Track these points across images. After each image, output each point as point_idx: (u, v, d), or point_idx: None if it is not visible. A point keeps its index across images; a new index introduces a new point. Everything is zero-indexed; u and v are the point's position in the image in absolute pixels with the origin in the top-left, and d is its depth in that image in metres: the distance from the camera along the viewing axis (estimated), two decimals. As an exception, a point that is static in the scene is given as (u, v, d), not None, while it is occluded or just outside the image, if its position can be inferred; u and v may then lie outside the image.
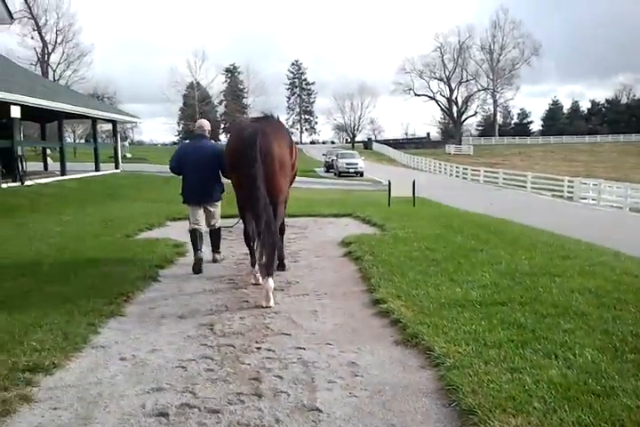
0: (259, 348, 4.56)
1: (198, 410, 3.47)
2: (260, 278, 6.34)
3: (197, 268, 7.44)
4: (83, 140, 68.61)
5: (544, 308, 5.13)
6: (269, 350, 4.52)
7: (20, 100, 17.00)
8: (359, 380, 3.91)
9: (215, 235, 8.11)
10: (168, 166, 8.00)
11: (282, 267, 7.39)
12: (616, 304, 5.26)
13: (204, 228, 7.84)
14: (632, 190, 25.26)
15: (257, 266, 6.52)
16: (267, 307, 5.78)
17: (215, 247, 8.18)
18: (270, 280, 5.92)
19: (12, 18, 24.88)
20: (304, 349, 4.53)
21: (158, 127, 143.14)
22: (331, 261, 8.04)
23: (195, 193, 7.67)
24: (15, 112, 17.32)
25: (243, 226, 7.05)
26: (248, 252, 7.11)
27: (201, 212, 7.78)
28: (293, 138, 7.58)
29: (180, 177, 7.88)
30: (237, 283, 6.85)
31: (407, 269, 6.87)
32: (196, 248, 7.57)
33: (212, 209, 7.85)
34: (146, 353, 4.50)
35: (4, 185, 17.30)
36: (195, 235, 7.64)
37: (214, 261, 8.10)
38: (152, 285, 6.76)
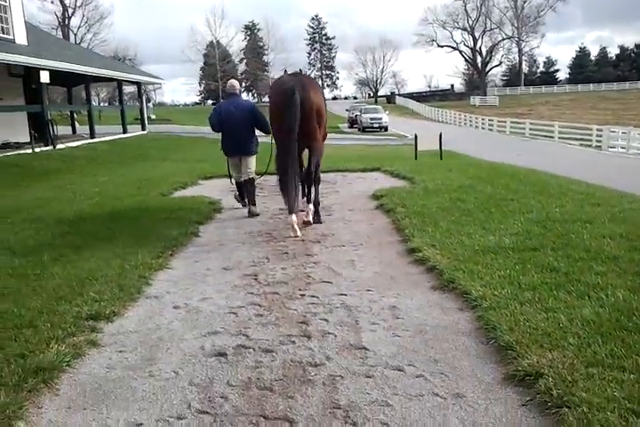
0: (303, 295, 4.82)
1: (253, 350, 3.75)
2: (295, 219, 7.07)
3: (253, 213, 8.45)
4: (106, 104, 69.06)
5: (576, 252, 5.29)
6: (313, 296, 4.77)
7: (49, 64, 17.24)
8: (400, 322, 4.14)
9: (251, 185, 8.63)
10: (209, 124, 8.66)
11: (318, 218, 7.65)
12: (647, 248, 5.39)
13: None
14: (663, 137, 24.86)
15: (294, 216, 7.07)
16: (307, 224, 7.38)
17: (251, 199, 8.60)
18: (311, 206, 7.60)
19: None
20: (346, 295, 4.77)
21: (179, 88, 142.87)
22: (363, 214, 8.24)
23: (236, 146, 8.52)
24: (44, 77, 17.54)
25: (278, 179, 7.29)
26: (284, 201, 7.28)
27: (241, 162, 8.65)
28: None
29: (220, 133, 8.61)
30: (275, 237, 7.08)
31: (439, 219, 7.04)
32: (243, 197, 8.79)
33: (249, 159, 8.64)
34: (197, 301, 4.78)
35: (37, 149, 17.68)
36: (240, 185, 8.76)
37: (250, 212, 8.46)
38: (194, 240, 7.04)
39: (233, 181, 9.05)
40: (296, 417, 2.92)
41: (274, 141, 7.62)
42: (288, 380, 3.32)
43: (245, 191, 8.69)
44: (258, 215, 8.43)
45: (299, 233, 6.94)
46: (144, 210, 8.69)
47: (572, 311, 3.89)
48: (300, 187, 7.46)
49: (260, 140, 8.77)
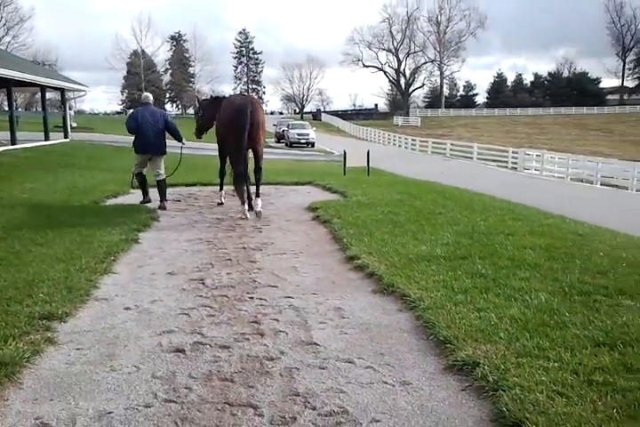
0: (251, 297, 5.05)
1: (210, 346, 3.95)
2: (247, 209, 9.17)
3: (146, 202, 10.12)
4: (22, 110, 66.49)
5: (501, 261, 5.77)
6: (261, 299, 5.01)
7: (-29, 66, 16.65)
8: (346, 321, 4.45)
9: (162, 185, 10.17)
10: (126, 128, 10.25)
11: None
12: (564, 257, 5.94)
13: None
14: (573, 161, 26.49)
15: (246, 204, 9.20)
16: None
17: (163, 197, 10.09)
18: (259, 200, 9.21)
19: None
20: (292, 297, 5.04)
21: (99, 96, 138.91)
22: (301, 225, 8.53)
23: (149, 146, 10.03)
24: (-35, 79, 16.94)
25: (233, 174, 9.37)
26: (237, 194, 9.33)
27: (147, 161, 10.21)
28: None
29: (134, 135, 10.14)
30: (216, 244, 7.26)
31: (374, 230, 7.42)
32: (145, 189, 10.33)
33: (158, 159, 10.23)
34: (148, 303, 4.92)
35: (-44, 154, 17.02)
36: (141, 177, 10.35)
37: (161, 208, 9.84)
38: (134, 246, 7.11)
39: (136, 170, 10.41)
40: (259, 403, 3.15)
41: (227, 147, 9.70)
42: (247, 372, 3.55)
43: (159, 190, 10.10)
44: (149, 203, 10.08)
45: (249, 217, 8.95)
46: (80, 217, 8.65)
47: (500, 311, 4.31)
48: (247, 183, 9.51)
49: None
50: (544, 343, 3.69)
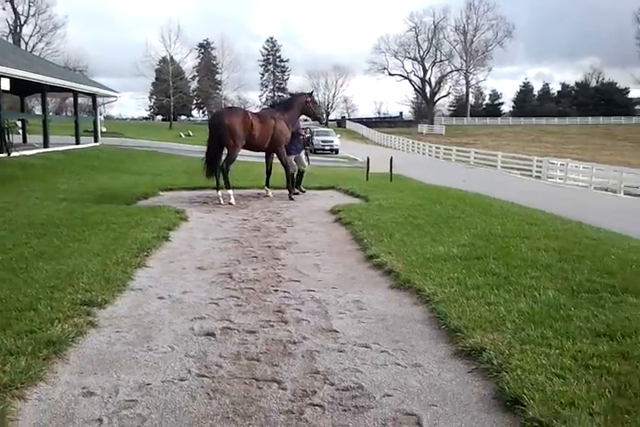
0: (276, 290, 5.39)
1: (238, 331, 4.29)
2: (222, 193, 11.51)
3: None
4: (51, 114, 68.08)
5: (514, 261, 6.03)
6: (285, 291, 5.35)
7: (10, 72, 17.31)
8: (364, 312, 4.76)
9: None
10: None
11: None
12: (575, 259, 6.18)
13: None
14: (597, 170, 26.50)
15: (220, 191, 11.53)
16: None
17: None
18: (230, 191, 11.41)
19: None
20: (314, 291, 5.37)
21: (127, 102, 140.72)
22: (323, 226, 8.86)
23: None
24: (5, 85, 17.63)
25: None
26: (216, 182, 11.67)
27: None
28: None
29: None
30: (242, 243, 7.62)
31: (394, 232, 7.72)
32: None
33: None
34: (179, 294, 5.28)
35: (-8, 156, 17.69)
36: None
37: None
38: (165, 244, 7.50)
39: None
40: (282, 379, 3.48)
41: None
42: (272, 353, 3.88)
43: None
44: None
45: (222, 202, 11.20)
46: (113, 216, 9.06)
47: (510, 305, 4.58)
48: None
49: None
50: (548, 333, 3.97)
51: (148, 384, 3.43)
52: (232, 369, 3.62)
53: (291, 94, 13.29)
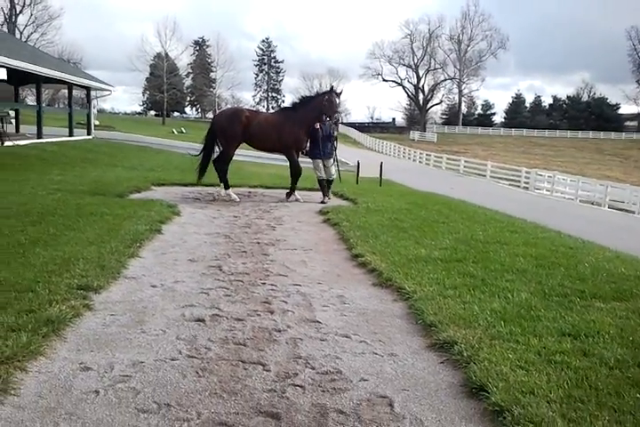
0: (264, 283, 5.64)
1: (226, 318, 4.54)
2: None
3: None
4: (44, 105, 67.92)
5: (492, 265, 6.32)
6: (272, 284, 5.60)
7: (7, 62, 17.46)
8: (347, 306, 5.03)
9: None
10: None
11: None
12: (550, 265, 6.48)
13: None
14: (583, 183, 26.97)
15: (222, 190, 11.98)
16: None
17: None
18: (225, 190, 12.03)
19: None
20: (300, 285, 5.63)
21: (120, 96, 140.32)
22: (312, 226, 9.13)
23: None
24: (2, 74, 17.77)
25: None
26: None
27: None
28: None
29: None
30: (232, 238, 7.87)
31: (380, 233, 8.00)
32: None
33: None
34: (171, 283, 5.53)
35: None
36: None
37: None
38: (157, 236, 7.73)
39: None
40: (267, 362, 3.74)
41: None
42: (258, 339, 4.13)
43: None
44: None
45: (216, 197, 11.82)
46: (107, 207, 9.27)
47: (483, 304, 4.86)
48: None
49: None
50: (516, 331, 4.25)
51: (142, 362, 3.68)
52: (220, 352, 3.87)
53: (315, 94, 12.50)
